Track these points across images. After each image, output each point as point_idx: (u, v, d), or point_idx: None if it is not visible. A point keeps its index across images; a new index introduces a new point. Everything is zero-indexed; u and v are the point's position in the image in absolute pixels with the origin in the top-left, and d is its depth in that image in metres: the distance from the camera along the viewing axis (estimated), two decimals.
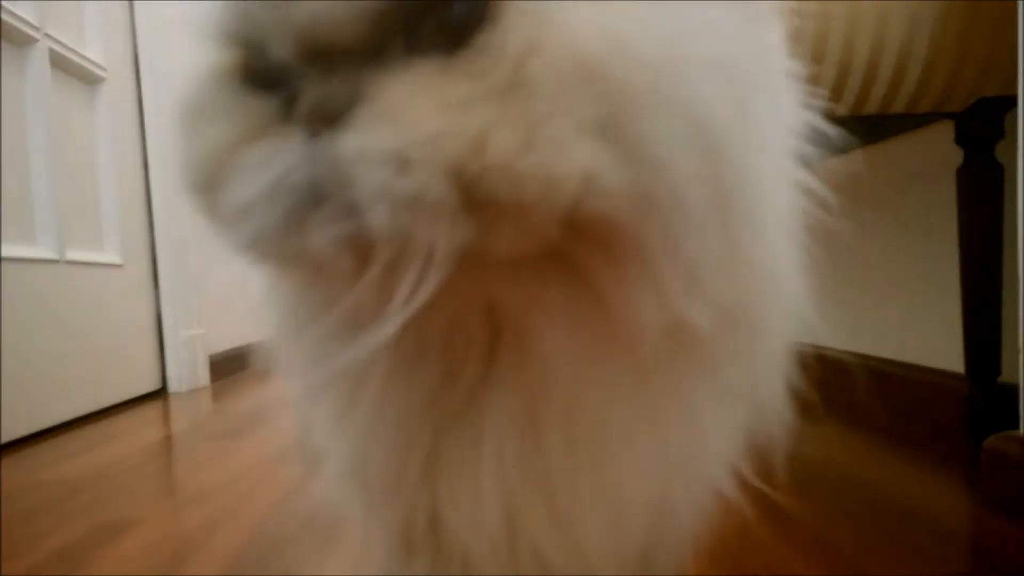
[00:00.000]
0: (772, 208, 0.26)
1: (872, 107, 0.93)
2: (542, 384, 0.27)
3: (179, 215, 1.87)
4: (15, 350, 1.25)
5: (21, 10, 1.34)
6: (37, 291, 1.33)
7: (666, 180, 0.21)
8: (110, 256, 1.63)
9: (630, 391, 0.27)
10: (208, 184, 0.25)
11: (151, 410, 1.60)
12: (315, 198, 0.22)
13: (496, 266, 0.23)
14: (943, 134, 1.03)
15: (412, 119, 0.21)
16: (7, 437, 1.21)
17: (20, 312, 1.28)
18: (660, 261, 0.23)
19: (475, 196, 0.21)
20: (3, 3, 1.28)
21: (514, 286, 0.25)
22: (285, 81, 0.23)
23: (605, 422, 0.28)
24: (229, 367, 2.04)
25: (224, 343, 2.06)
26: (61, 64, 1.47)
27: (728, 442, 0.31)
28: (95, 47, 1.61)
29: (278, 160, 0.22)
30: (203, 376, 1.90)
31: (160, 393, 1.79)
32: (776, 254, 0.27)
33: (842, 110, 0.92)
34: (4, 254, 1.24)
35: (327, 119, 0.22)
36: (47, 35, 1.41)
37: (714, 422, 0.29)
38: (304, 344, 0.31)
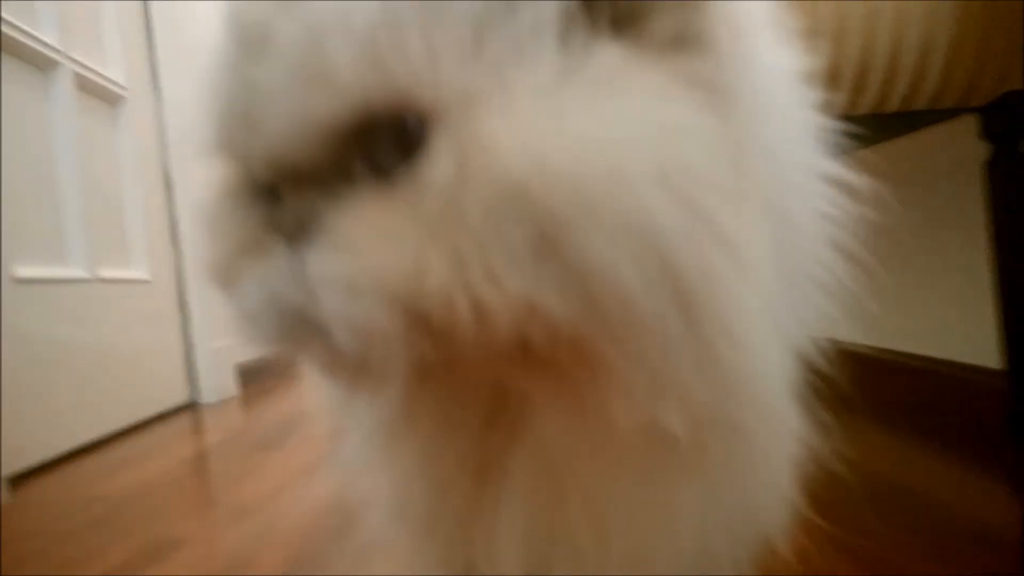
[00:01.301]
0: (749, 309, 0.24)
1: (894, 104, 0.93)
2: (555, 456, 0.28)
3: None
4: (51, 369, 1.27)
5: (45, 35, 1.36)
6: (71, 310, 1.36)
7: (613, 293, 0.21)
8: (138, 272, 1.66)
9: (628, 470, 0.27)
10: (223, 287, 0.27)
11: (183, 423, 1.62)
12: (293, 313, 0.23)
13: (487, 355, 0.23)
14: (968, 128, 1.02)
15: (357, 247, 0.22)
16: (46, 456, 1.23)
17: (55, 331, 1.30)
18: (624, 368, 0.23)
19: (420, 323, 0.22)
20: (28, 29, 1.30)
21: (509, 370, 0.25)
22: (272, 194, 0.25)
23: (614, 490, 0.28)
24: (256, 376, 2.07)
25: (250, 352, 2.09)
26: (84, 86, 1.49)
27: (750, 504, 0.30)
28: (116, 67, 1.64)
29: (268, 274, 0.24)
30: (232, 387, 1.93)
31: (191, 405, 1.82)
32: (756, 358, 0.25)
33: (864, 108, 0.92)
34: (37, 275, 1.27)
35: (301, 236, 0.23)
36: (71, 58, 1.43)
37: (718, 502, 0.29)
38: (344, 406, 0.33)
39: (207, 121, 0.27)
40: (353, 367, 0.23)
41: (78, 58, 1.46)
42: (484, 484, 0.29)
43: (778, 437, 0.28)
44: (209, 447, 1.38)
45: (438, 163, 0.22)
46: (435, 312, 0.22)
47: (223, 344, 1.90)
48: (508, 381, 0.27)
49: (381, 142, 0.23)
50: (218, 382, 1.87)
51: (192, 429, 1.57)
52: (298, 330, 0.24)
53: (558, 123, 0.21)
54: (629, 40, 0.24)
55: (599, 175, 0.21)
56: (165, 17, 1.83)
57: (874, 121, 0.94)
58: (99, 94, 1.57)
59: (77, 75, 1.46)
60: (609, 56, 0.23)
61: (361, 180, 0.23)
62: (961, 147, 1.11)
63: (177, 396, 1.77)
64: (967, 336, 1.19)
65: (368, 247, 0.22)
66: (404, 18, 0.22)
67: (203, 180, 0.29)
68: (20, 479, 1.13)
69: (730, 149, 0.24)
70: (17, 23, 1.27)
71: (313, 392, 0.39)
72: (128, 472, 1.18)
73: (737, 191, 0.23)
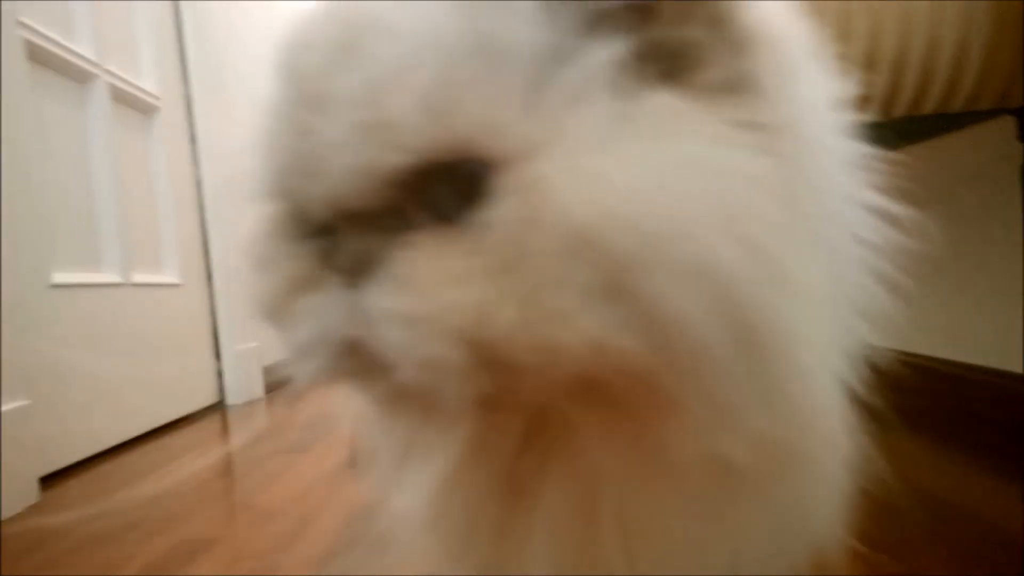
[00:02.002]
0: (809, 341, 0.25)
1: (930, 107, 0.90)
2: (592, 479, 0.28)
3: (232, 234, 1.93)
4: (85, 371, 1.31)
5: (82, 48, 1.41)
6: (105, 314, 1.40)
7: (680, 332, 0.22)
8: (169, 277, 1.70)
9: (674, 496, 0.27)
10: (275, 324, 0.28)
11: (211, 424, 1.66)
12: (349, 346, 0.24)
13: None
14: (1005, 130, 1.01)
15: (422, 286, 0.23)
16: (78, 456, 1.27)
17: (91, 335, 1.34)
18: (687, 401, 0.23)
19: (486, 359, 0.23)
20: (64, 42, 1.34)
21: (565, 402, 0.26)
22: (326, 231, 0.26)
23: (655, 513, 0.28)
24: (282, 377, 2.10)
25: (276, 354, 2.12)
26: (119, 96, 1.54)
27: (795, 527, 0.31)
28: (149, 78, 1.68)
29: (323, 309, 0.25)
30: (258, 388, 1.97)
31: (218, 406, 1.86)
32: (816, 387, 0.26)
33: (899, 111, 0.90)
34: (74, 281, 1.31)
35: (356, 274, 0.25)
36: (106, 70, 1.48)
37: (763, 525, 0.29)
38: (375, 422, 0.34)
39: (262, 164, 0.28)
40: (412, 400, 0.24)
41: (113, 69, 1.51)
42: (516, 504, 0.30)
43: (832, 462, 0.29)
44: (237, 449, 1.41)
45: (502, 208, 0.23)
46: (501, 348, 0.22)
47: (250, 346, 1.94)
48: (560, 410, 0.27)
49: (440, 188, 0.24)
50: (245, 384, 1.91)
51: (220, 431, 1.60)
52: (354, 364, 0.25)
53: (619, 169, 0.22)
54: (679, 87, 0.24)
55: (662, 219, 0.22)
56: (196, 28, 1.87)
57: (909, 123, 0.93)
58: (133, 104, 1.61)
59: (112, 86, 1.50)
60: (662, 103, 0.24)
61: (420, 223, 0.24)
62: (998, 148, 1.09)
63: (205, 397, 1.81)
64: (999, 341, 1.18)
65: (433, 285, 0.23)
66: (462, 70, 0.23)
67: (249, 215, 0.31)
68: (51, 479, 1.16)
69: (783, 188, 0.25)
70: (55, 37, 1.32)
71: (345, 406, 0.40)
72: (158, 473, 1.21)
73: (792, 228, 0.25)
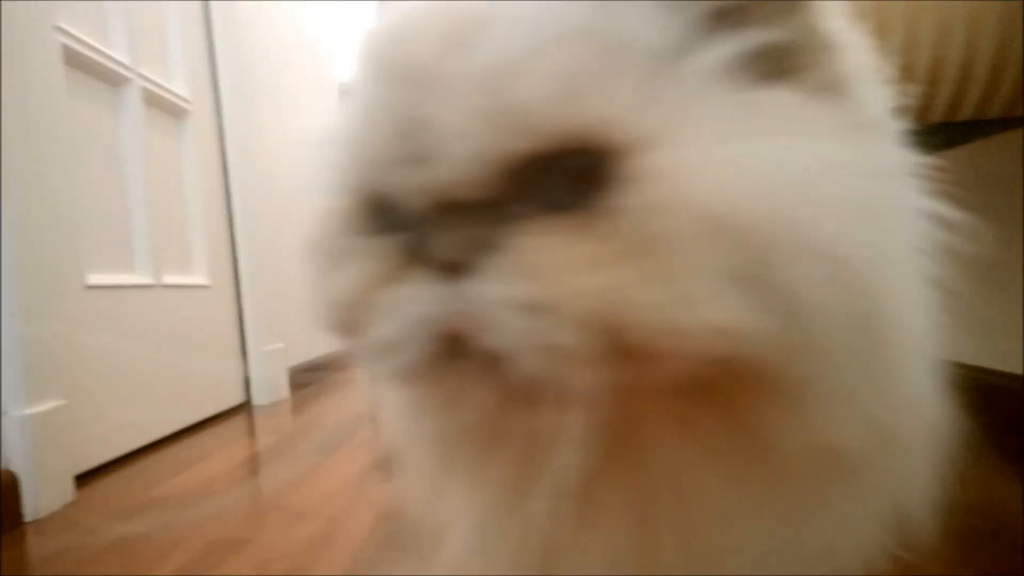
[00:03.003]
0: (910, 327, 0.26)
1: (967, 112, 0.89)
2: (658, 487, 0.28)
3: (258, 237, 1.95)
4: (117, 371, 1.34)
5: (117, 53, 1.43)
6: (137, 315, 1.42)
7: (809, 320, 0.22)
8: (198, 278, 1.72)
9: (757, 499, 0.28)
10: (349, 323, 0.27)
11: (239, 424, 1.68)
12: (449, 339, 0.24)
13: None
14: None
15: (549, 274, 0.23)
16: (111, 455, 1.29)
17: (123, 335, 1.36)
18: (806, 392, 0.24)
19: (616, 345, 0.22)
20: (100, 47, 1.37)
21: (653, 403, 0.25)
22: (411, 224, 0.25)
23: (723, 524, 0.28)
24: (307, 379, 2.13)
25: (301, 356, 2.15)
26: (151, 100, 1.56)
27: (864, 534, 0.31)
28: (180, 82, 1.71)
29: (414, 302, 0.24)
30: (284, 389, 1.99)
31: (245, 407, 1.88)
32: (918, 372, 0.27)
33: (935, 117, 0.89)
34: (107, 282, 1.33)
35: (458, 266, 0.24)
36: (139, 74, 1.50)
37: (848, 523, 0.30)
38: (436, 442, 0.33)
39: (348, 155, 0.27)
40: (522, 393, 0.23)
41: (146, 73, 1.53)
42: (568, 516, 0.29)
43: (931, 449, 0.30)
44: (265, 449, 1.43)
45: (633, 194, 0.23)
46: (634, 334, 0.22)
47: (276, 347, 1.96)
48: (649, 413, 0.26)
49: (552, 176, 0.24)
50: (271, 384, 1.93)
51: (247, 431, 1.62)
52: (455, 357, 0.24)
53: (749, 158, 0.23)
54: (790, 86, 0.26)
55: (792, 206, 0.22)
56: (226, 32, 1.90)
57: (944, 130, 0.92)
58: (165, 108, 1.64)
59: (145, 90, 1.52)
60: (780, 99, 0.25)
61: (529, 211, 0.24)
62: None
63: (232, 397, 1.83)
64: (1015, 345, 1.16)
65: (562, 271, 0.23)
66: (586, 59, 0.23)
67: (311, 215, 0.30)
68: (84, 478, 1.18)
69: (886, 185, 0.27)
70: (91, 41, 1.34)
71: (382, 408, 0.40)
72: (188, 472, 1.23)
73: (897, 222, 0.26)
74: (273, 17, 2.24)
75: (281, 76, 2.29)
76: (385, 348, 0.25)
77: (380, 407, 0.39)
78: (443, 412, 0.30)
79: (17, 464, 1.01)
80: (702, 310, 0.22)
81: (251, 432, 1.61)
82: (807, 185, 0.23)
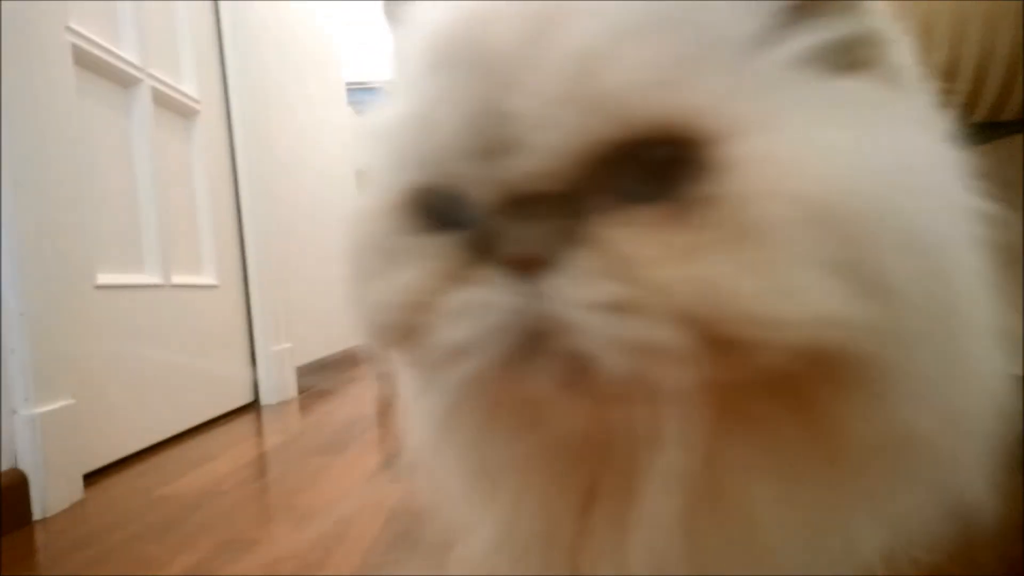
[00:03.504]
0: (981, 314, 0.27)
1: (1012, 112, 0.88)
2: (715, 486, 0.27)
3: (267, 237, 1.96)
4: (126, 370, 1.34)
5: (128, 54, 1.44)
6: (146, 314, 1.43)
7: (898, 308, 0.22)
8: (207, 278, 1.73)
9: (817, 495, 0.27)
10: (405, 327, 0.26)
11: (246, 423, 1.68)
12: (529, 340, 0.23)
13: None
14: None
15: (639, 266, 0.22)
16: (119, 454, 1.29)
17: (133, 334, 1.37)
18: (888, 381, 0.24)
19: (713, 339, 0.21)
20: (111, 47, 1.37)
21: (726, 401, 0.25)
22: (475, 220, 0.24)
23: (778, 522, 0.27)
24: (313, 379, 2.13)
25: (309, 356, 2.15)
26: (162, 100, 1.57)
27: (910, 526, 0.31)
28: (190, 82, 1.71)
29: (489, 302, 0.23)
30: (291, 388, 1.99)
31: (253, 406, 1.88)
32: (988, 360, 0.28)
33: (978, 117, 0.88)
34: (117, 282, 1.33)
35: (536, 262, 0.23)
36: (150, 74, 1.50)
37: (910, 513, 0.29)
38: (472, 444, 0.31)
39: (410, 149, 0.26)
40: (612, 395, 0.23)
41: (156, 74, 1.53)
42: (596, 512, 0.29)
43: (998, 434, 0.30)
44: (273, 449, 1.43)
45: (727, 183, 0.22)
46: (731, 326, 0.21)
47: (284, 347, 1.96)
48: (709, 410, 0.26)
49: (637, 164, 0.23)
50: (279, 384, 1.93)
51: (255, 430, 1.62)
52: (534, 359, 0.23)
53: (839, 146, 0.23)
54: (865, 78, 0.26)
55: (883, 196, 0.22)
56: (235, 33, 1.90)
57: (988, 128, 0.91)
58: (175, 108, 1.64)
59: (155, 90, 1.53)
60: (858, 89, 0.25)
61: (614, 201, 0.23)
62: None
63: (241, 397, 1.84)
64: None
65: (651, 264, 0.22)
66: (675, 47, 0.23)
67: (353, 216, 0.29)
68: (92, 476, 1.18)
69: (957, 174, 0.28)
70: (101, 42, 1.34)
71: (410, 413, 0.39)
72: (196, 471, 1.23)
73: (968, 210, 0.27)
74: (283, 18, 2.25)
75: (290, 77, 2.29)
76: (454, 352, 0.24)
77: (406, 407, 0.38)
78: (515, 417, 0.28)
79: (26, 463, 1.01)
80: (802, 299, 0.21)
81: (259, 432, 1.61)
82: (895, 174, 0.23)
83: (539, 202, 0.23)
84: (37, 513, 1.00)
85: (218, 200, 1.81)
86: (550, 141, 0.23)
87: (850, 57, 0.26)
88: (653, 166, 0.23)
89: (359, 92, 4.18)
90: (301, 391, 2.03)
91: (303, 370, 2.08)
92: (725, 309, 0.21)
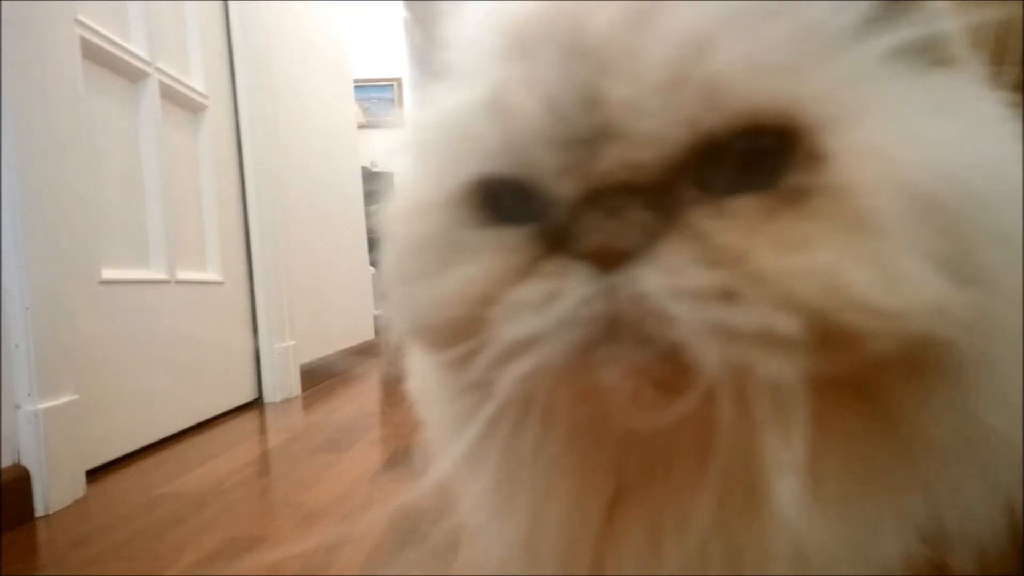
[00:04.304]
0: None
1: None
2: (748, 484, 0.26)
3: (273, 234, 1.95)
4: (130, 366, 1.33)
5: (136, 48, 1.43)
6: (150, 310, 1.42)
7: (993, 300, 0.22)
8: (212, 274, 1.72)
9: (867, 489, 0.27)
10: (465, 324, 0.25)
11: (250, 421, 1.67)
12: (609, 331, 0.22)
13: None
14: None
15: (739, 257, 0.21)
16: (122, 451, 1.29)
17: (137, 330, 1.36)
18: (971, 373, 0.24)
19: (824, 329, 0.21)
20: (119, 41, 1.37)
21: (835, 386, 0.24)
22: (543, 214, 0.24)
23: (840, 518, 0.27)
24: (317, 377, 2.13)
25: (313, 353, 2.15)
26: (169, 95, 1.56)
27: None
28: (198, 77, 1.70)
29: (564, 294, 0.22)
30: (295, 386, 1.98)
31: (256, 403, 1.87)
32: None
33: None
34: (122, 277, 1.33)
35: (622, 254, 0.22)
36: (158, 69, 1.50)
37: (973, 506, 0.29)
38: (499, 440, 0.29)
39: (480, 139, 0.25)
40: (691, 385, 0.22)
41: (164, 68, 1.53)
42: (627, 514, 0.29)
43: None
44: (277, 447, 1.42)
45: (831, 173, 0.22)
46: (844, 316, 0.21)
47: (288, 344, 1.96)
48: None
49: (734, 154, 0.23)
50: (283, 381, 1.92)
51: (258, 428, 1.61)
52: (614, 348, 0.22)
53: (943, 138, 0.23)
54: (950, 71, 0.26)
55: (985, 189, 0.23)
56: (243, 29, 1.90)
57: None
58: (182, 103, 1.63)
59: (163, 85, 1.52)
60: (950, 84, 0.26)
61: (708, 192, 0.23)
62: None
63: (244, 394, 1.83)
64: None
65: (759, 255, 0.22)
66: (779, 34, 0.23)
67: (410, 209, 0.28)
68: (95, 473, 1.18)
69: None
70: (110, 35, 1.34)
71: (437, 414, 0.38)
72: (199, 469, 1.22)
73: None
74: (291, 13, 2.24)
75: (298, 73, 2.28)
76: (522, 345, 0.23)
77: (426, 406, 0.37)
78: (567, 415, 0.26)
79: (28, 459, 1.00)
80: (913, 289, 0.21)
81: (262, 429, 1.60)
82: (990, 167, 0.23)
83: (627, 193, 0.23)
84: (39, 510, 0.99)
85: (224, 196, 1.80)
86: (651, 129, 0.22)
87: (935, 54, 0.26)
88: (750, 156, 0.23)
89: (367, 89, 4.17)
90: (305, 389, 2.03)
91: (307, 368, 2.08)
92: (840, 299, 0.21)
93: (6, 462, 0.98)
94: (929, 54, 0.25)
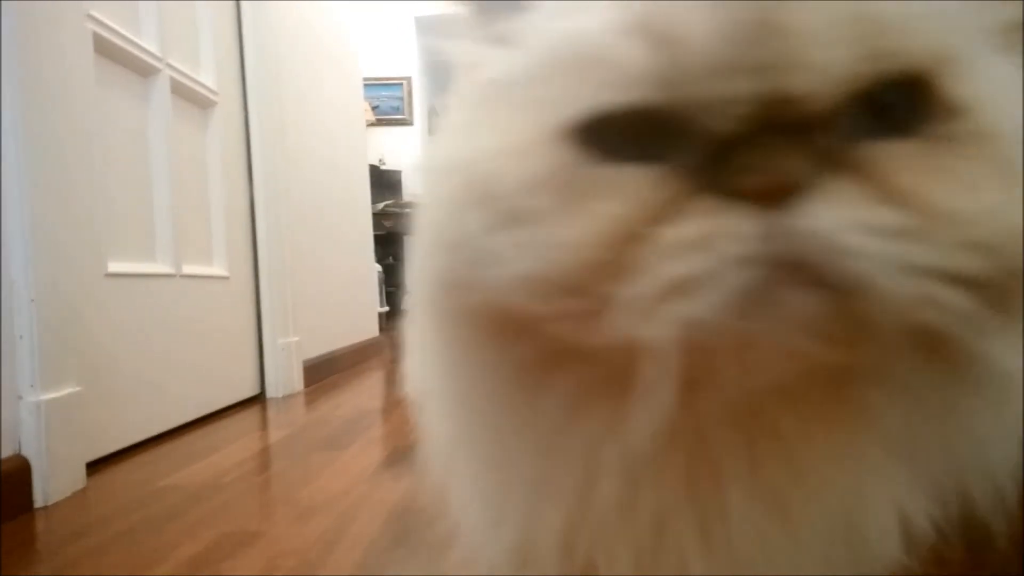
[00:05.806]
0: None
1: None
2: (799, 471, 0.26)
3: (279, 230, 1.96)
4: (134, 359, 1.34)
5: (147, 43, 1.44)
6: (156, 304, 1.43)
7: None
8: (218, 269, 1.73)
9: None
10: (607, 267, 0.22)
11: (252, 416, 1.68)
12: (782, 272, 0.20)
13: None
14: None
15: (917, 196, 0.21)
16: (124, 443, 1.30)
17: (141, 324, 1.37)
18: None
19: (1010, 270, 0.22)
20: (132, 37, 1.37)
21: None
22: (685, 149, 0.22)
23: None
24: (319, 373, 2.13)
25: (316, 350, 2.15)
26: (179, 90, 1.57)
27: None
28: (208, 73, 1.71)
29: (726, 233, 0.21)
30: (298, 382, 1.99)
31: (258, 398, 1.88)
32: None
33: None
34: (128, 271, 1.34)
35: (782, 192, 0.21)
36: (169, 64, 1.51)
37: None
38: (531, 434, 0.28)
39: (619, 66, 0.23)
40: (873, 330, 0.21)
41: (175, 64, 1.54)
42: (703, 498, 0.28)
43: None
44: (278, 443, 1.43)
45: (976, 123, 0.23)
46: (1017, 258, 0.22)
47: (291, 340, 1.96)
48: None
49: (891, 97, 0.23)
50: (285, 377, 1.93)
51: (260, 423, 1.62)
52: (790, 291, 0.20)
53: None
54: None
55: None
56: (255, 25, 1.90)
57: None
58: (192, 98, 1.64)
59: (173, 80, 1.53)
60: None
61: (869, 132, 0.22)
62: None
63: (247, 389, 1.84)
64: None
65: (937, 196, 0.21)
66: None
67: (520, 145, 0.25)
68: (95, 465, 1.18)
69: None
70: (122, 31, 1.34)
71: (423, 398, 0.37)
72: (199, 463, 1.23)
73: None
74: (301, 10, 2.25)
75: (308, 70, 2.29)
76: (678, 290, 0.21)
77: (429, 404, 0.37)
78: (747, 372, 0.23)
79: (29, 449, 1.01)
80: None
81: (264, 425, 1.61)
82: None
83: (792, 128, 0.21)
84: (39, 500, 1.00)
85: (232, 192, 1.81)
86: (834, 59, 0.21)
87: (1014, 38, 0.27)
88: (902, 100, 0.23)
89: (376, 87, 4.18)
90: (307, 385, 2.03)
91: (310, 364, 2.08)
92: (1010, 238, 0.22)
93: (7, 452, 0.99)
94: (1012, 37, 0.27)
